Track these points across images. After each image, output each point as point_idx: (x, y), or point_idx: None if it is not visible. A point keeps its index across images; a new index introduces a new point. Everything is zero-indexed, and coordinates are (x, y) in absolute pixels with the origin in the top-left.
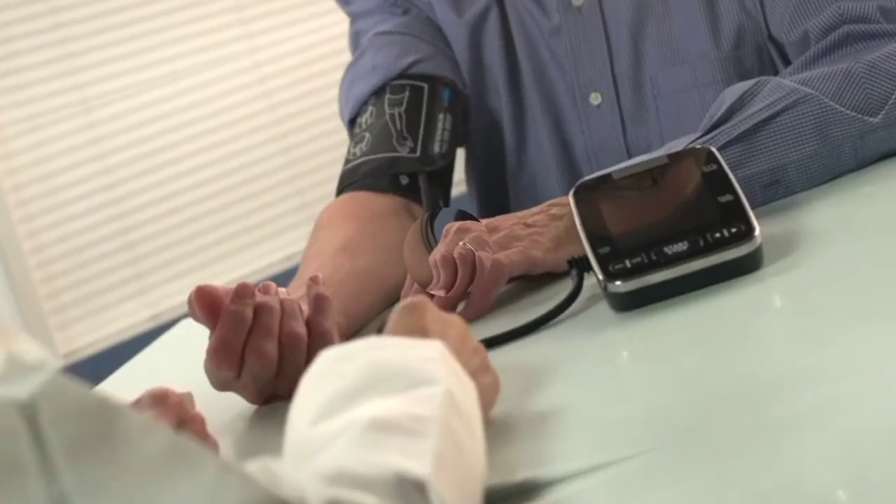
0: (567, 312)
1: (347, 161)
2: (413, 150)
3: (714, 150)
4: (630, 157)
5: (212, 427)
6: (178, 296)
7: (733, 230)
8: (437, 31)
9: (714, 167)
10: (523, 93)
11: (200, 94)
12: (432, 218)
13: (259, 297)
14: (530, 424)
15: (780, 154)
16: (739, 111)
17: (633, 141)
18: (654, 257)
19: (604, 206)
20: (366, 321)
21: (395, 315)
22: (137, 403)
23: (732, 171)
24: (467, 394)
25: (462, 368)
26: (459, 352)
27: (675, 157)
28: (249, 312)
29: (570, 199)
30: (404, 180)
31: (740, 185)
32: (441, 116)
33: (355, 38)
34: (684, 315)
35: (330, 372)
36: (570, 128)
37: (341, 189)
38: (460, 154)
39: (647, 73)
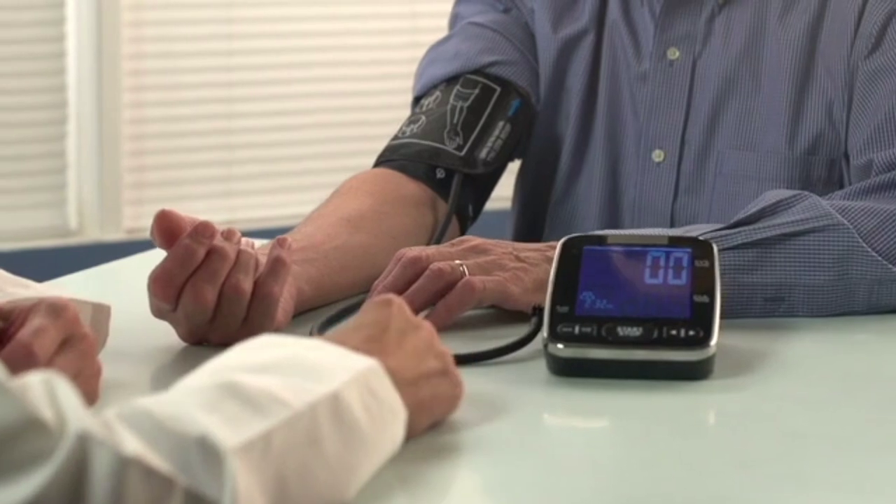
0: (513, 356)
1: (395, 137)
2: (460, 148)
3: (714, 247)
4: (673, 224)
5: (139, 350)
6: (258, 209)
7: (690, 333)
8: (529, 39)
9: (706, 264)
10: (593, 126)
11: (348, 25)
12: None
13: (218, 241)
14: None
15: (793, 273)
16: (769, 217)
17: (681, 209)
18: (603, 333)
19: (584, 266)
20: (340, 297)
21: (365, 306)
22: (33, 309)
23: (741, 275)
24: (374, 413)
25: (392, 392)
26: (421, 354)
27: (674, 241)
28: (202, 252)
29: (558, 248)
30: (440, 174)
31: (744, 290)
32: (501, 124)
33: (453, 20)
34: (611, 402)
35: (257, 348)
36: (625, 176)
37: (378, 163)
38: (512, 170)
39: (715, 148)
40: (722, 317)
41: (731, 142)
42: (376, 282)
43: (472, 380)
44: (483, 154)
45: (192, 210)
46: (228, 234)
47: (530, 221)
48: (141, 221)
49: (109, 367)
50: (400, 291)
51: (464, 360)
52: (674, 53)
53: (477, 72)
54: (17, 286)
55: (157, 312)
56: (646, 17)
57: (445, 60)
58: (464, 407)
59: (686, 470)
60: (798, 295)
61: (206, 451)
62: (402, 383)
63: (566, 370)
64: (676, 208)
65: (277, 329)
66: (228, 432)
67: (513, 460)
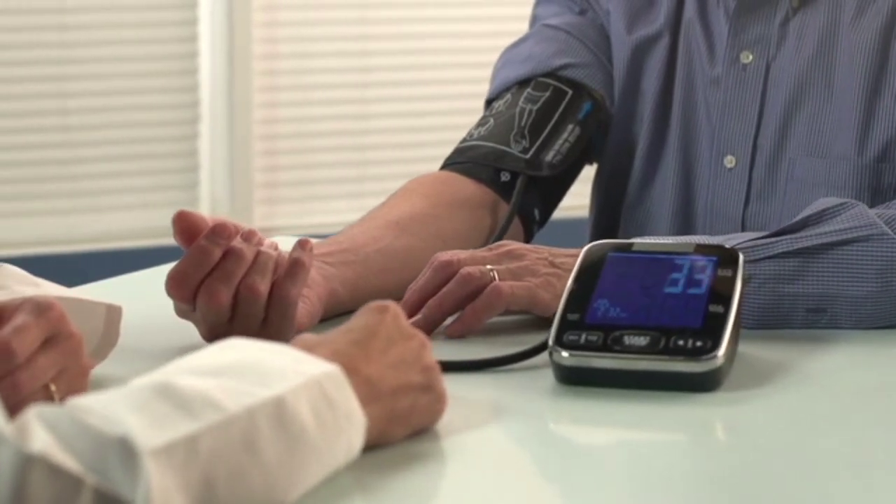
0: (526, 363)
1: (463, 140)
2: (525, 150)
3: (741, 256)
4: (744, 230)
5: (163, 346)
6: None
7: (698, 343)
8: (604, 41)
9: (729, 273)
10: (667, 130)
11: (481, 26)
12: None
13: (236, 242)
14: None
15: (835, 284)
16: (813, 226)
17: (752, 216)
18: (609, 342)
19: (604, 273)
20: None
21: (361, 310)
22: (19, 307)
23: (782, 285)
24: (326, 419)
25: (351, 400)
26: (405, 365)
27: (700, 249)
28: (217, 253)
29: (580, 255)
30: (505, 177)
31: (785, 300)
32: (570, 127)
33: (532, 22)
34: (611, 413)
35: (219, 350)
36: (698, 181)
37: (444, 165)
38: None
39: (787, 154)
40: (763, 328)
41: (802, 148)
42: (410, 285)
43: (475, 385)
44: (549, 157)
45: (327, 210)
46: (248, 235)
47: (606, 226)
48: (272, 221)
49: (126, 365)
50: (430, 295)
51: (452, 367)
52: (747, 57)
53: (549, 74)
54: (26, 285)
55: (180, 312)
56: (720, 18)
57: (518, 63)
58: (454, 413)
59: (671, 484)
60: (841, 306)
61: (125, 451)
62: (379, 392)
63: (571, 379)
64: (748, 214)
65: (300, 330)
66: (151, 433)
67: (489, 469)
